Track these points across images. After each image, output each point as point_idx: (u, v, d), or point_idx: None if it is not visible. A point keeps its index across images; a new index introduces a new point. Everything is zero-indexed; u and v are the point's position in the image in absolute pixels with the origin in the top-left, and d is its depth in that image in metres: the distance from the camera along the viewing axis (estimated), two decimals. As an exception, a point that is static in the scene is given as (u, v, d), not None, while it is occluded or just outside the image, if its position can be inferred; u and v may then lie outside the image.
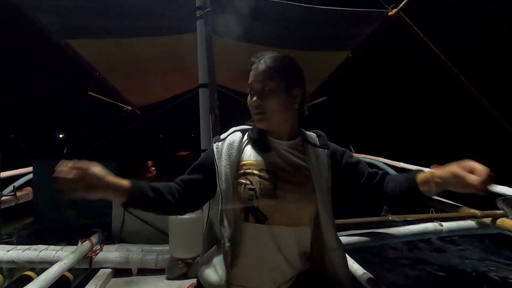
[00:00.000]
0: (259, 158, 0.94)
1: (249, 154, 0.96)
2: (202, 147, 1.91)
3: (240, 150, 0.96)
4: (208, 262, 0.95)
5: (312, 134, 1.04)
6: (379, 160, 4.66)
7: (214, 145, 0.98)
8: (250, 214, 0.90)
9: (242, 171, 0.93)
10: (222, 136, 1.01)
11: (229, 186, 0.91)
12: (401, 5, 2.51)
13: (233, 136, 0.99)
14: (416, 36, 2.60)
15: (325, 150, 0.99)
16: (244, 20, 2.47)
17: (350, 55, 3.24)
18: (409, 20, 2.54)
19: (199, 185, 0.96)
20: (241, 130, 1.01)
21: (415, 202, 0.92)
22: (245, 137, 1.00)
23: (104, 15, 2.41)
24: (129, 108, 4.85)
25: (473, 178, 0.72)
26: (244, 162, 0.94)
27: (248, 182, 0.91)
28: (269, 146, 0.96)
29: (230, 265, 0.90)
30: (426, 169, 0.89)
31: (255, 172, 0.92)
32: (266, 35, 2.81)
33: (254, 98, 0.93)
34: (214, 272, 0.92)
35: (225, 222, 0.90)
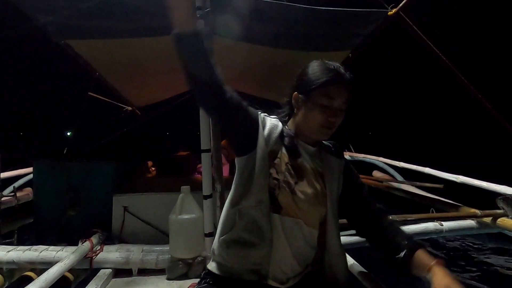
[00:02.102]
0: (288, 154, 0.97)
1: (282, 147, 0.98)
2: (202, 147, 1.91)
3: (277, 138, 0.98)
4: (236, 240, 0.93)
5: (327, 144, 1.08)
6: (380, 160, 4.66)
7: (260, 114, 0.99)
8: (270, 203, 0.92)
9: (272, 158, 0.95)
10: (265, 114, 1.02)
11: (265, 158, 0.93)
12: (400, 4, 2.50)
13: (276, 122, 1.01)
14: (416, 36, 2.60)
15: (341, 159, 1.05)
16: (244, 20, 2.47)
17: (350, 55, 3.23)
18: (409, 19, 2.54)
19: (240, 115, 0.93)
20: (280, 121, 1.03)
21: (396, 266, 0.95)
22: (283, 128, 1.01)
23: (103, 16, 2.41)
24: (129, 108, 4.85)
25: None
26: (276, 150, 0.97)
27: (274, 171, 0.94)
28: (298, 148, 0.99)
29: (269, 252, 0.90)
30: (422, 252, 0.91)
31: (283, 165, 0.95)
32: (266, 35, 2.81)
33: (336, 118, 0.95)
34: (250, 249, 0.91)
35: (260, 197, 0.91)
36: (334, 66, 0.95)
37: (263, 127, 0.97)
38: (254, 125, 0.96)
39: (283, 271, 0.92)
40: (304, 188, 0.94)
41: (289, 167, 0.95)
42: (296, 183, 0.94)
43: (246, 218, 0.92)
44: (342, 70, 0.95)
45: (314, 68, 0.97)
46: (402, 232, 0.99)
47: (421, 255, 0.89)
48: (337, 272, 0.97)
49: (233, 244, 0.93)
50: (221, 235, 0.97)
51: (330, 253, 0.97)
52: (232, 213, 0.95)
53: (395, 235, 0.97)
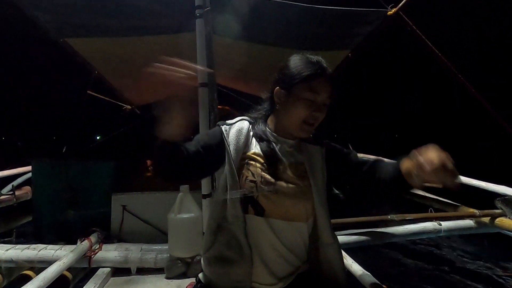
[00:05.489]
0: (263, 152, 0.95)
1: (254, 145, 0.96)
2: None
3: (247, 140, 0.96)
4: (218, 257, 0.92)
5: None
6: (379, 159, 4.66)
7: (222, 127, 0.97)
8: (250, 205, 0.90)
9: (245, 161, 0.93)
10: (229, 121, 1.00)
11: (234, 174, 0.91)
12: (400, 4, 2.50)
13: (241, 123, 0.99)
14: (416, 36, 2.60)
15: (321, 147, 1.01)
16: (244, 19, 2.47)
17: (350, 54, 3.23)
18: (408, 19, 2.54)
19: (203, 160, 0.91)
20: (248, 120, 1.01)
21: (404, 193, 0.92)
22: (251, 128, 1.00)
23: (102, 14, 2.41)
24: (128, 107, 4.84)
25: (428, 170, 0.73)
26: (248, 153, 0.95)
27: (249, 174, 0.91)
28: (273, 143, 0.96)
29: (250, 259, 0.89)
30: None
31: (258, 165, 0.93)
32: (265, 34, 2.80)
33: (320, 113, 0.92)
34: (231, 266, 0.90)
35: (235, 212, 0.90)
36: (316, 60, 0.92)
37: (227, 140, 0.94)
38: (220, 146, 0.94)
39: (273, 273, 0.91)
40: (286, 185, 0.92)
41: (266, 166, 0.93)
42: (277, 180, 0.91)
43: (226, 234, 0.91)
44: (324, 64, 0.92)
45: (296, 62, 0.93)
46: (388, 164, 0.95)
47: (405, 164, 0.86)
48: (332, 261, 0.96)
49: (215, 261, 0.92)
50: (204, 251, 0.96)
51: (323, 243, 0.95)
52: (213, 228, 0.94)
53: (387, 171, 0.93)
